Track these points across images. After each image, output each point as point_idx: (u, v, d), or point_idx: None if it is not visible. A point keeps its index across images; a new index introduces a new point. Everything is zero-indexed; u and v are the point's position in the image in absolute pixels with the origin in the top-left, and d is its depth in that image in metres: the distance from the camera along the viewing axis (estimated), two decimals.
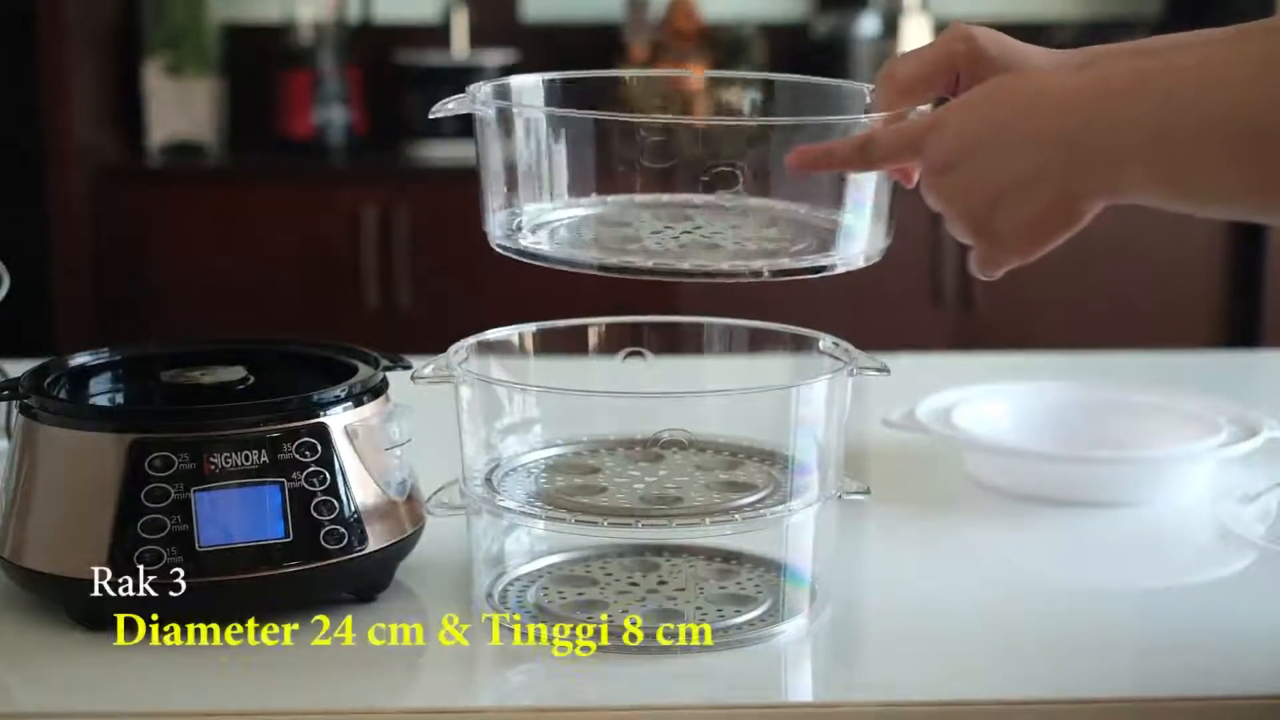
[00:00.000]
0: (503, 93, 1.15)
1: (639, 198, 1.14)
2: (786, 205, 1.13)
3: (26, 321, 2.69)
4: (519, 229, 1.13)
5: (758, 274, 1.09)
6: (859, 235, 1.11)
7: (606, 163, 1.13)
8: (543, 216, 1.14)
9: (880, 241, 1.12)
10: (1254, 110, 0.91)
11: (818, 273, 1.10)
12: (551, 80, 1.17)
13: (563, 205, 1.14)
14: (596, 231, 1.13)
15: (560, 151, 1.13)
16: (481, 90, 1.13)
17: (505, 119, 1.12)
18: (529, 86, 1.17)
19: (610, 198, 1.15)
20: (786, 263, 1.09)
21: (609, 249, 1.10)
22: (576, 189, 1.14)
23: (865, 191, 1.10)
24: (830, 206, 1.11)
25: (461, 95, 1.12)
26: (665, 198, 1.14)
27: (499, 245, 1.13)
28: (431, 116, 1.13)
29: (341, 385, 1.16)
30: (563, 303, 1.57)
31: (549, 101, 1.17)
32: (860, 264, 1.11)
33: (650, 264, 1.08)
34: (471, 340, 1.21)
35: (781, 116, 1.21)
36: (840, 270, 1.11)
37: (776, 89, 1.22)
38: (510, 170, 1.12)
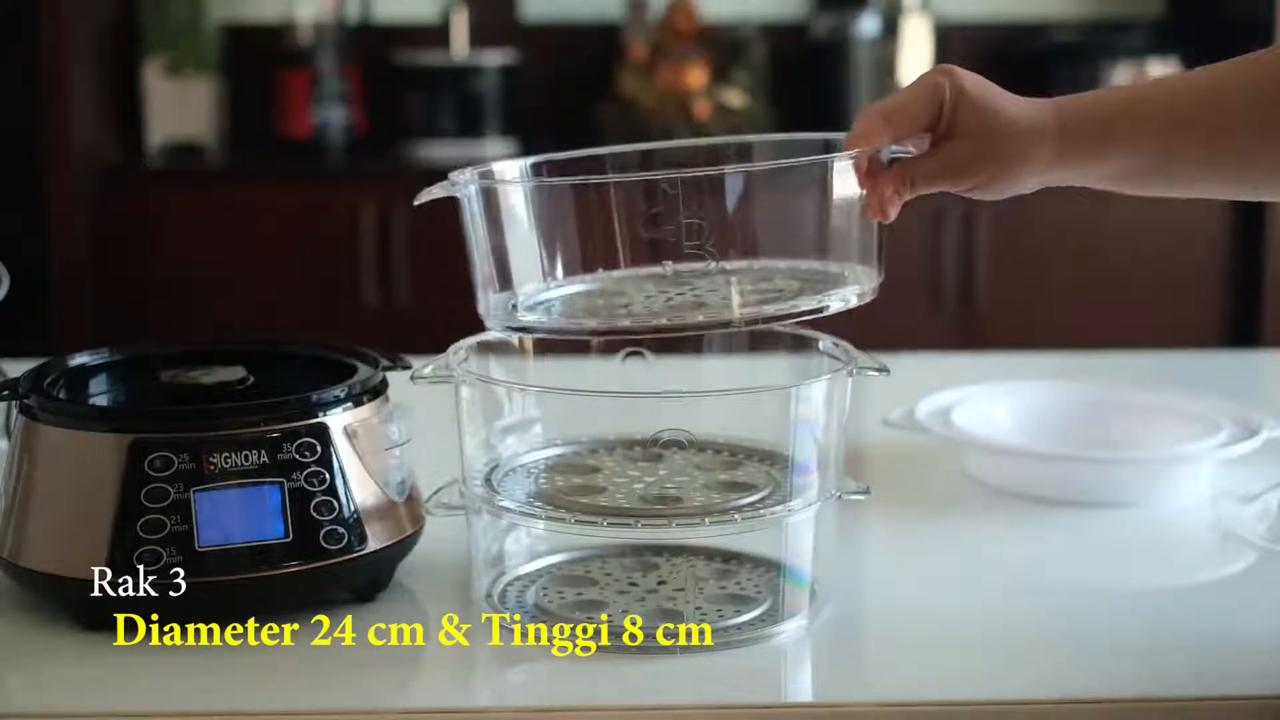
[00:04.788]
0: (486, 178, 1.16)
1: (635, 271, 1.15)
2: (781, 263, 1.15)
3: (26, 321, 2.69)
4: (514, 309, 1.14)
5: (752, 321, 1.10)
6: (851, 280, 1.12)
7: (595, 237, 1.14)
8: (539, 296, 1.15)
9: (874, 280, 1.14)
10: None
11: (811, 315, 1.11)
12: (535, 163, 1.19)
13: (556, 285, 1.15)
14: (589, 302, 1.14)
15: (550, 229, 1.13)
16: (464, 175, 1.13)
17: (490, 201, 1.13)
18: (511, 171, 1.18)
19: (613, 273, 1.15)
20: (770, 310, 1.10)
21: (600, 315, 1.11)
22: (570, 268, 1.15)
23: (850, 237, 1.12)
24: (818, 257, 1.12)
25: (444, 182, 1.13)
26: (659, 269, 1.14)
27: (497, 326, 1.14)
28: (417, 204, 1.14)
29: (341, 385, 1.16)
30: None
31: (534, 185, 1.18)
32: (854, 302, 1.12)
33: (630, 323, 1.10)
34: (471, 340, 1.20)
35: (762, 175, 1.21)
36: (835, 309, 1.12)
37: (755, 148, 1.22)
38: (501, 252, 1.13)
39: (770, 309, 1.10)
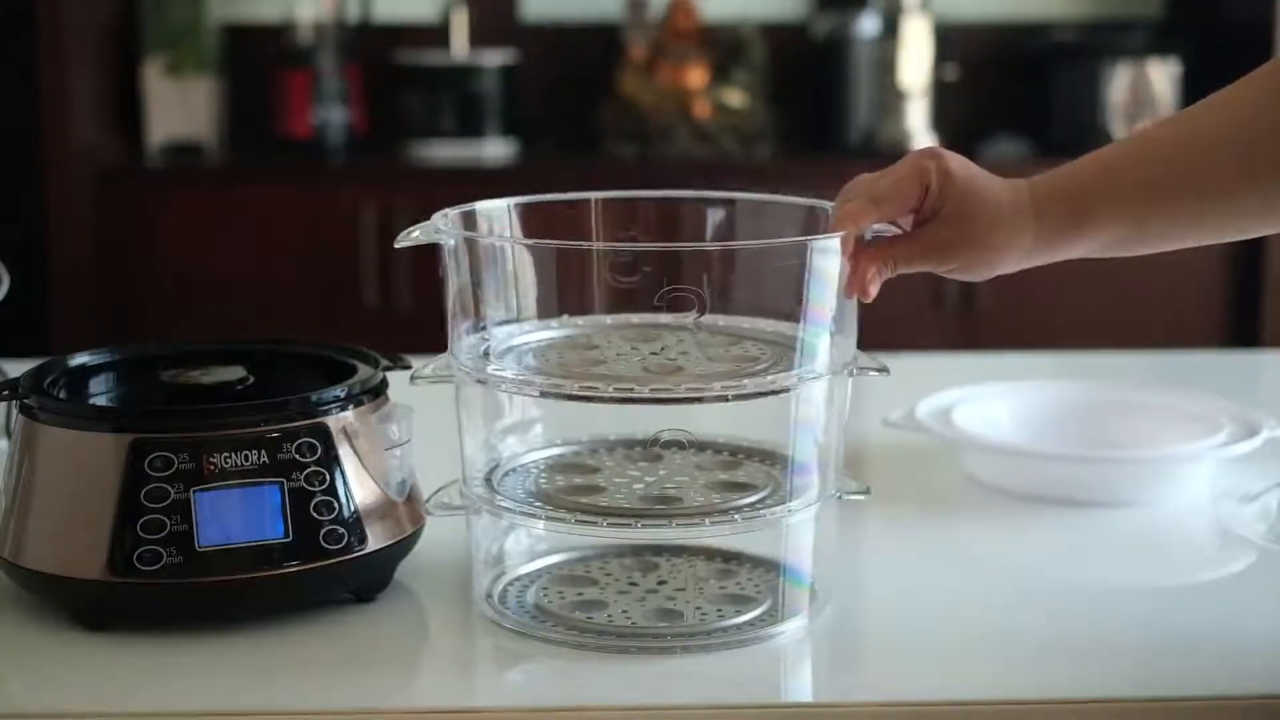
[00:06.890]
0: (469, 219, 1.16)
1: (607, 319, 1.16)
2: (753, 323, 1.16)
3: (26, 321, 2.69)
4: (486, 355, 1.14)
5: (721, 398, 1.10)
6: (821, 351, 1.12)
7: (572, 287, 1.16)
8: (511, 340, 1.16)
9: (847, 354, 1.14)
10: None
11: (779, 393, 1.11)
12: (519, 204, 1.19)
13: (531, 329, 1.17)
14: (563, 355, 1.14)
15: (526, 277, 1.15)
16: (446, 218, 1.14)
17: (471, 246, 1.13)
18: (495, 212, 1.18)
19: (579, 319, 1.17)
20: (749, 385, 1.10)
21: (574, 374, 1.11)
22: (544, 312, 1.16)
23: (824, 308, 1.12)
24: (794, 321, 1.12)
25: (426, 224, 1.14)
26: (634, 318, 1.16)
27: (466, 372, 1.14)
28: (397, 246, 1.14)
29: (341, 385, 1.16)
30: None
31: (518, 223, 1.19)
32: (825, 380, 1.13)
33: (611, 390, 1.09)
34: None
35: (745, 232, 1.21)
36: (803, 387, 1.12)
37: (739, 203, 1.22)
38: (477, 295, 1.14)
39: (749, 383, 1.10)
